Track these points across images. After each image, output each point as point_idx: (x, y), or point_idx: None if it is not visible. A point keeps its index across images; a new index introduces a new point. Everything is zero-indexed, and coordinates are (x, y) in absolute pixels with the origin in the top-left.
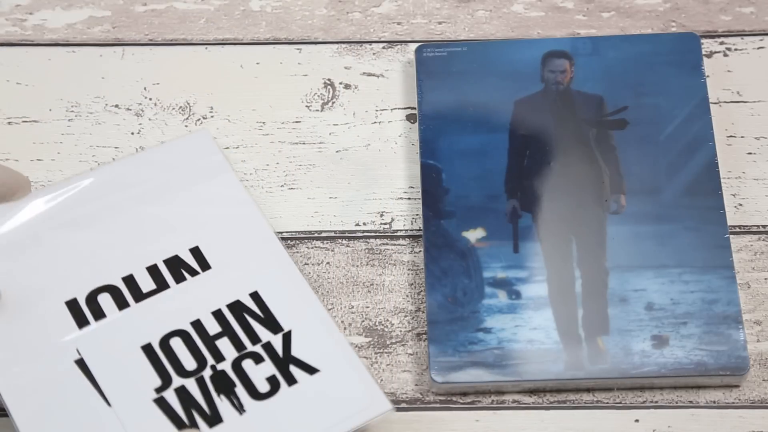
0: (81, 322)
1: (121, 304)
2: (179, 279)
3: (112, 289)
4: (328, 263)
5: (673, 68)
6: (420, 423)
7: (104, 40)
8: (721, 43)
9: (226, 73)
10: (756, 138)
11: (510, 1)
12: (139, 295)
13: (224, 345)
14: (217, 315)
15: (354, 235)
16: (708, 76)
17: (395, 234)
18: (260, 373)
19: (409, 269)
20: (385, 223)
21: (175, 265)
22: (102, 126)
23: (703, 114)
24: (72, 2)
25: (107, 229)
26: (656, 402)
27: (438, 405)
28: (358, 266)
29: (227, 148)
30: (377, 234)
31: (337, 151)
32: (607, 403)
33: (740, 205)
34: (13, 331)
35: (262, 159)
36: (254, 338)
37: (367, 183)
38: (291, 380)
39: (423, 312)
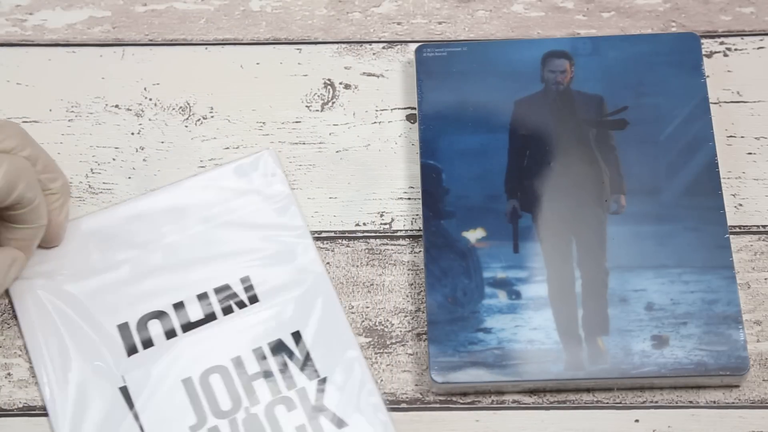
0: (130, 349)
1: (169, 333)
2: (227, 311)
3: (161, 316)
4: (328, 263)
5: (673, 68)
6: (420, 423)
7: (104, 41)
8: (721, 43)
9: (226, 73)
10: (756, 138)
11: (510, 1)
12: (187, 325)
13: (260, 387)
14: (258, 353)
15: (354, 235)
16: (708, 76)
17: (395, 234)
18: (291, 421)
19: (409, 269)
20: (385, 223)
21: (225, 294)
22: (102, 126)
23: (703, 114)
24: (72, 2)
25: (164, 251)
26: (656, 402)
27: (438, 405)
28: (358, 266)
29: (227, 148)
30: (377, 234)
31: (337, 151)
32: (607, 403)
33: (740, 205)
34: (70, 347)
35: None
36: (290, 383)
37: (367, 183)
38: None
39: (423, 312)
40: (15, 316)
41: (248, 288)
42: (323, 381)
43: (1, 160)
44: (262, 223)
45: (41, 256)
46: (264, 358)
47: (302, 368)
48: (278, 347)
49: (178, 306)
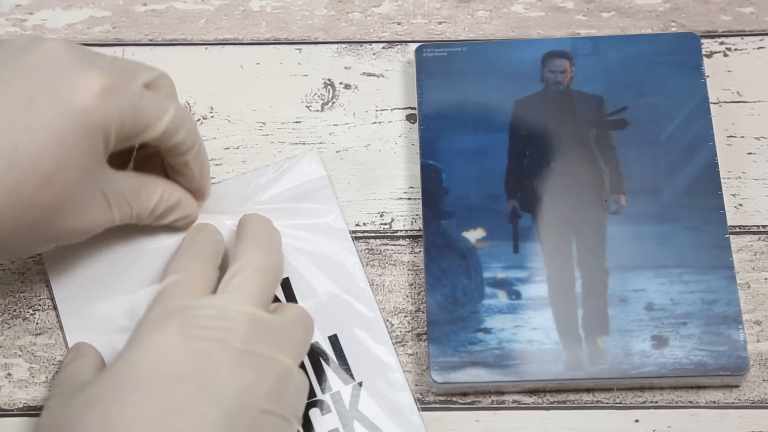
0: None
1: None
2: None
3: None
4: None
5: (673, 68)
6: None
7: (104, 40)
8: (721, 43)
9: (226, 73)
10: (756, 138)
11: (510, 1)
12: None
13: None
14: None
15: (354, 235)
16: (708, 76)
17: (395, 234)
18: (324, 424)
19: (409, 269)
20: (385, 224)
21: None
22: None
23: (703, 114)
24: (72, 2)
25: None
26: (656, 402)
27: (438, 405)
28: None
29: (227, 148)
30: (377, 234)
31: (337, 151)
32: (607, 403)
33: (740, 205)
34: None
35: (262, 159)
36: (325, 386)
37: (367, 183)
38: None
39: (423, 312)
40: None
41: (287, 289)
42: (359, 385)
43: (169, 105)
44: (303, 224)
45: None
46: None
47: (338, 372)
48: (314, 350)
49: None
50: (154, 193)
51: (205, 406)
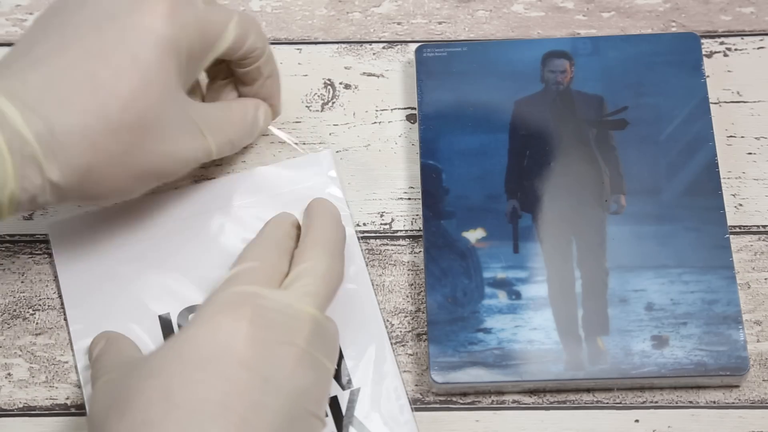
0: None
1: None
2: None
3: None
4: None
5: (673, 68)
6: (420, 423)
7: None
8: (721, 43)
9: None
10: (756, 138)
11: (510, 1)
12: None
13: None
14: None
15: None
16: (708, 76)
17: (395, 234)
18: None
19: (409, 269)
20: (385, 224)
21: None
22: None
23: (703, 114)
24: None
25: (210, 242)
26: (656, 402)
27: (438, 405)
28: None
29: None
30: (377, 234)
31: (337, 151)
32: (607, 403)
33: (740, 205)
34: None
35: (262, 159)
36: None
37: (367, 183)
38: None
39: (423, 312)
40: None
41: None
42: (356, 392)
43: (232, 12)
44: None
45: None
46: None
47: (336, 377)
48: None
49: None
50: (246, 110)
51: (267, 396)
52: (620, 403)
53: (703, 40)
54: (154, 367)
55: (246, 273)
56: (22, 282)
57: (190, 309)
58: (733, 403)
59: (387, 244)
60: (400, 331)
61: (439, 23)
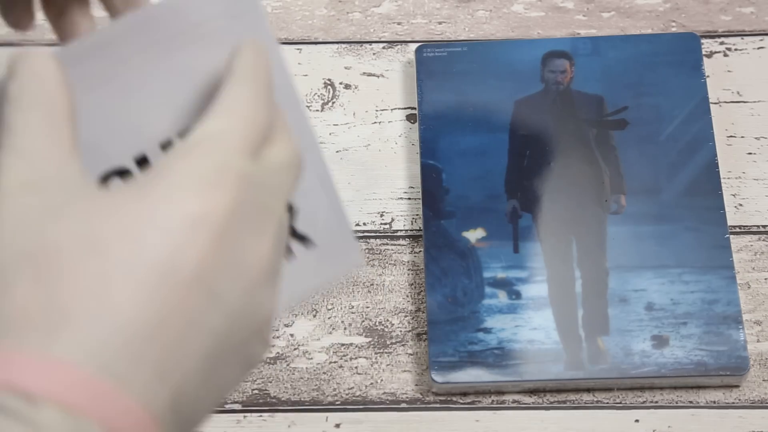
0: None
1: None
2: None
3: (123, 174)
4: None
5: (673, 68)
6: (420, 423)
7: None
8: (721, 43)
9: None
10: (756, 138)
11: (510, 1)
12: None
13: None
14: None
15: (354, 235)
16: (708, 76)
17: (395, 234)
18: None
19: (409, 269)
20: (385, 223)
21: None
22: None
23: (703, 114)
24: None
25: (122, 91)
26: (656, 402)
27: (438, 405)
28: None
29: None
30: (377, 234)
31: (337, 151)
32: (607, 403)
33: (740, 205)
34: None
35: None
36: None
37: (367, 183)
38: (290, 254)
39: (423, 312)
40: None
41: None
42: (291, 208)
43: None
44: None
45: None
46: None
47: None
48: None
49: (142, 161)
50: None
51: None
52: (620, 403)
53: (703, 40)
54: (100, 237)
55: (226, 135)
56: None
57: (110, 174)
58: (733, 403)
59: (387, 244)
60: (400, 331)
61: (439, 23)
